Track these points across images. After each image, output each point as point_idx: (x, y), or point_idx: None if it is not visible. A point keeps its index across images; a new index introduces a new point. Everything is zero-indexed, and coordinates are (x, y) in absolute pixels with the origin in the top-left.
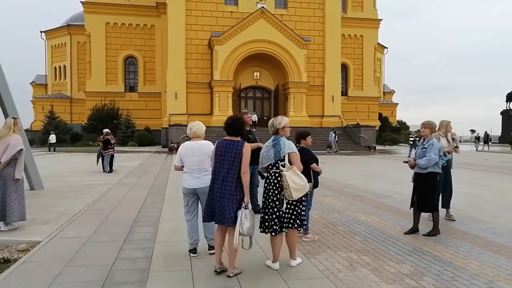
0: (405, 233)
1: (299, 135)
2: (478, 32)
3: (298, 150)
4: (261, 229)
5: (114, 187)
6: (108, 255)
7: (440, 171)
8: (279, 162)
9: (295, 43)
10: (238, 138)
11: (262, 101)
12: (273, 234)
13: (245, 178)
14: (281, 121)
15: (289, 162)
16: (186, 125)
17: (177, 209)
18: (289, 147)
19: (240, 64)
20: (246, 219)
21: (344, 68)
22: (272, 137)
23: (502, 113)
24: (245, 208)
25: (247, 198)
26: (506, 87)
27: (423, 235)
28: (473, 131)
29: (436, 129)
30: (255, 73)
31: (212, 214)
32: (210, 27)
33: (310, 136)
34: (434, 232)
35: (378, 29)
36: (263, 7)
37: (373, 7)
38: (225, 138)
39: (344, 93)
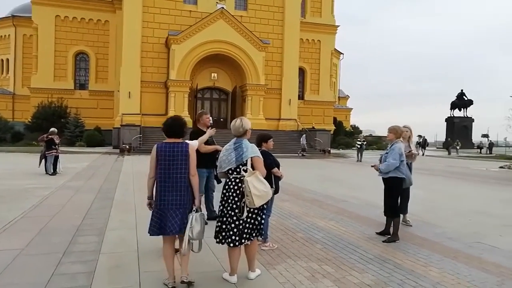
0: (377, 233)
1: (260, 138)
2: (420, 43)
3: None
4: (218, 240)
5: (57, 191)
6: (43, 271)
7: (403, 176)
8: (240, 166)
9: (254, 45)
10: (180, 140)
11: (219, 103)
12: (231, 245)
13: (195, 181)
14: (248, 122)
15: (252, 166)
16: (139, 125)
17: (126, 215)
18: (252, 150)
19: (198, 64)
20: (197, 223)
21: (302, 72)
22: (234, 140)
23: (446, 120)
24: (196, 212)
25: (197, 201)
26: (451, 96)
27: (383, 241)
28: (420, 136)
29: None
30: (212, 74)
31: (162, 227)
32: (168, 25)
33: (271, 139)
34: (394, 238)
35: (335, 35)
36: (222, 7)
37: (331, 13)
38: (165, 141)
39: (301, 97)
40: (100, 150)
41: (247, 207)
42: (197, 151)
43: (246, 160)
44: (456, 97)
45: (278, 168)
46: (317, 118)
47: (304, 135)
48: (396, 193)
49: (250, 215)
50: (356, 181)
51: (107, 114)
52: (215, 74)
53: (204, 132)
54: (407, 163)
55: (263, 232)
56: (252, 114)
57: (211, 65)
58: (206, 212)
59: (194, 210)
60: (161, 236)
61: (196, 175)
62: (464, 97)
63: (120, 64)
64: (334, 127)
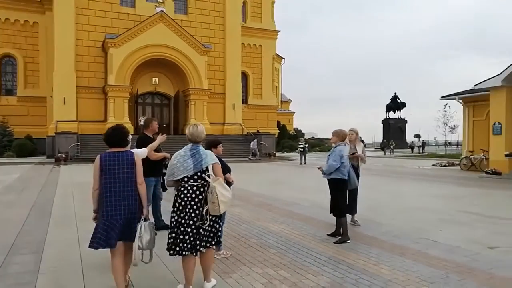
0: (328, 235)
1: (210, 144)
2: (354, 48)
3: None
4: (172, 251)
5: None
6: None
7: (345, 178)
8: (199, 173)
9: (196, 50)
10: (124, 149)
11: (161, 108)
12: (187, 253)
13: (142, 189)
14: (203, 128)
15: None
16: (76, 133)
17: (66, 230)
18: (211, 157)
19: (138, 68)
20: (146, 232)
21: (244, 76)
22: (189, 146)
23: (382, 121)
24: (144, 221)
25: (145, 210)
26: (386, 98)
27: (334, 242)
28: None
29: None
30: (153, 79)
31: (108, 238)
32: (104, 28)
33: (221, 144)
34: (344, 238)
35: (276, 40)
36: (162, 10)
37: (271, 18)
38: (108, 150)
39: (245, 101)
40: (32, 160)
41: (209, 214)
42: (145, 159)
43: (206, 167)
44: (390, 100)
45: (230, 174)
46: (262, 122)
47: (255, 140)
48: (339, 194)
49: (210, 222)
50: (303, 183)
51: (39, 121)
52: (156, 79)
53: (152, 139)
54: (353, 165)
55: (221, 240)
56: (196, 118)
57: (152, 69)
58: (154, 221)
59: (142, 219)
60: (107, 250)
61: (143, 183)
62: (397, 99)
63: (52, 69)
64: (278, 131)
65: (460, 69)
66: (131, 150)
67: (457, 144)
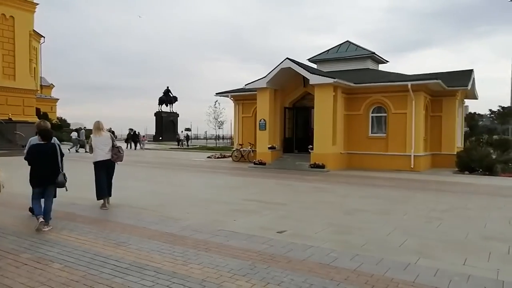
0: None
1: None
2: (135, 40)
3: None
4: None
5: None
6: None
7: None
8: None
9: None
10: None
11: None
12: None
13: None
14: None
15: None
16: None
17: None
18: None
19: None
20: None
21: None
22: None
23: (155, 114)
24: None
25: None
26: (159, 91)
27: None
28: (131, 129)
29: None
30: None
31: None
32: None
33: None
34: None
35: (33, 13)
36: None
37: None
38: None
39: None
40: None
41: None
42: None
43: None
44: (163, 93)
45: None
46: (16, 108)
47: (80, 130)
48: None
49: None
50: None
51: None
52: None
53: None
54: None
55: None
56: None
57: None
58: None
59: None
60: None
61: None
62: (170, 93)
63: None
64: (38, 119)
65: (222, 70)
66: None
67: (223, 137)
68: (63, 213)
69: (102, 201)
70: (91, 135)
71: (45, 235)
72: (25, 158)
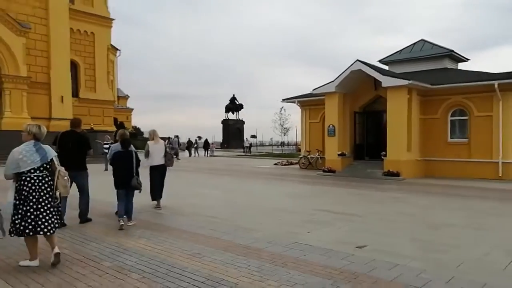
0: None
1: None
2: (199, 49)
3: None
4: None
5: None
6: None
7: None
8: (44, 165)
9: (9, 28)
10: None
11: None
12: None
13: None
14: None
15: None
16: None
17: None
18: (52, 151)
19: None
20: None
21: (74, 66)
22: (32, 142)
23: (222, 122)
24: None
25: None
26: (225, 99)
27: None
28: (199, 137)
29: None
30: None
31: None
32: None
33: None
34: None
35: (110, 28)
36: None
37: (104, 4)
38: None
39: (75, 94)
40: None
41: (59, 196)
42: None
43: (51, 159)
44: (229, 101)
45: None
46: (96, 118)
47: (174, 138)
48: None
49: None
50: None
51: None
52: None
53: None
54: None
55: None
56: (12, 111)
57: None
58: None
59: None
60: None
61: None
62: (236, 101)
63: None
64: (116, 128)
65: (287, 76)
66: None
67: (288, 144)
68: (138, 220)
69: (155, 202)
70: (148, 142)
71: (124, 243)
72: (111, 164)
